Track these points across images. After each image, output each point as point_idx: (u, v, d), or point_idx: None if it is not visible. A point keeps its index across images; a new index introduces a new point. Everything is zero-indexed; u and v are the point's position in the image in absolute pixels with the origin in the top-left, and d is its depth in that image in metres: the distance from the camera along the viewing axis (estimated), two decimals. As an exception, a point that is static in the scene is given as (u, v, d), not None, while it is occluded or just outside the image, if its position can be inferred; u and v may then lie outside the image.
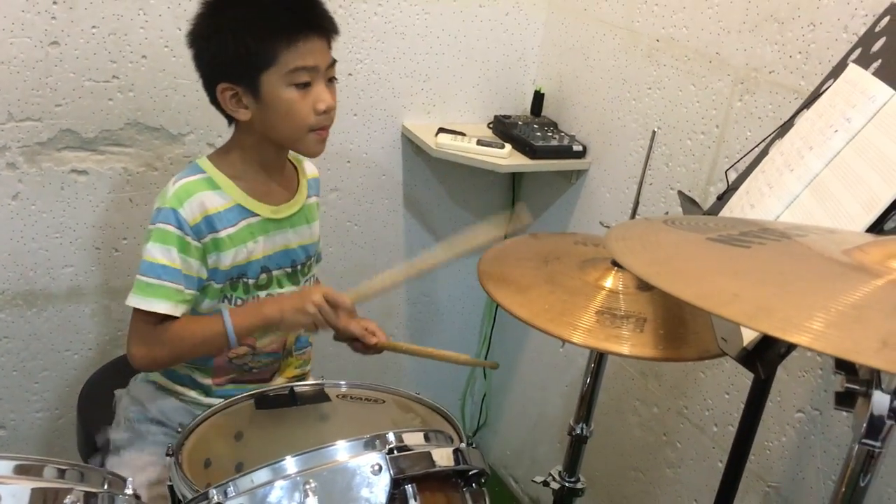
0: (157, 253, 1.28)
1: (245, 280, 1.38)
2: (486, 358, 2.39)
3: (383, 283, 1.33)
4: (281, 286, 1.42)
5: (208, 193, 1.31)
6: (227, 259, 1.33)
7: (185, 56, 1.72)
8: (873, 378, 0.73)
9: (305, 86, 1.27)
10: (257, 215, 1.36)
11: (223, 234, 1.32)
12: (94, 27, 1.64)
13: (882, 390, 0.73)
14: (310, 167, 1.51)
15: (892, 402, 0.73)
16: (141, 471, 1.34)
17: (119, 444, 1.39)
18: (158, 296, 1.29)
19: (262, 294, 1.40)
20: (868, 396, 0.74)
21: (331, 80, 1.32)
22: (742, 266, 0.68)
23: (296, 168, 1.47)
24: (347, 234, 2.08)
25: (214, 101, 1.32)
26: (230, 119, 1.35)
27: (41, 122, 1.66)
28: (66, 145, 1.70)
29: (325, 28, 1.30)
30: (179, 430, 1.22)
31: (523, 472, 2.32)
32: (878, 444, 0.75)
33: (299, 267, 1.45)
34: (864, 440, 0.74)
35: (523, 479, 2.33)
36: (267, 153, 1.37)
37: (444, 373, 2.39)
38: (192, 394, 1.42)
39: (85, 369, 1.83)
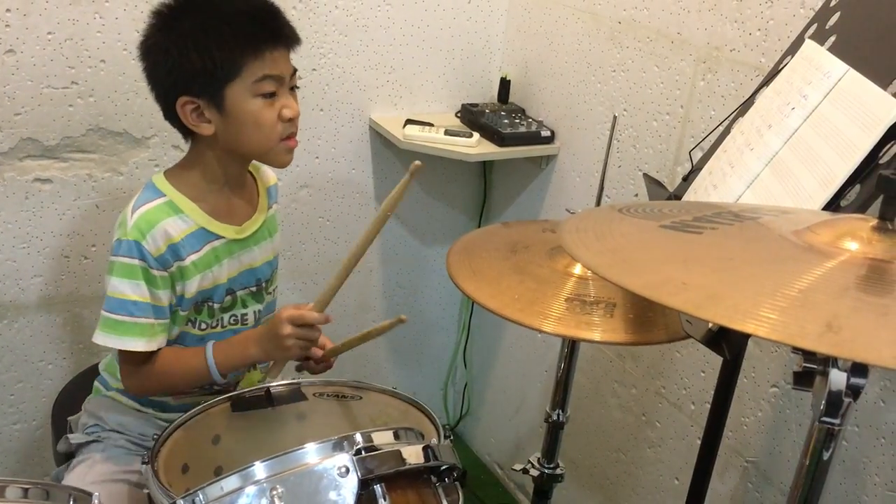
0: (125, 288, 1.23)
1: (210, 304, 1.34)
2: (467, 338, 2.39)
3: (335, 280, 1.30)
4: (245, 306, 1.40)
5: (171, 220, 1.26)
6: (193, 286, 1.29)
7: (145, 59, 1.72)
8: (830, 357, 0.74)
9: (271, 95, 1.24)
10: (222, 237, 1.32)
11: (188, 261, 1.28)
12: (49, 33, 1.61)
13: (839, 368, 0.73)
14: (269, 174, 1.46)
15: (848, 379, 0.73)
16: (101, 483, 1.31)
17: (79, 447, 1.37)
18: (132, 333, 1.25)
19: (227, 316, 1.37)
20: (825, 375, 0.74)
21: (292, 89, 1.29)
22: (693, 254, 0.68)
23: (255, 179, 1.42)
24: (320, 231, 2.07)
25: (170, 115, 1.27)
26: (187, 133, 1.30)
27: (1, 132, 1.63)
28: (27, 154, 1.68)
29: (289, 38, 1.27)
30: (139, 437, 1.19)
31: (508, 458, 2.33)
32: (837, 421, 0.75)
33: (263, 284, 1.41)
34: (823, 418, 0.75)
35: (508, 465, 2.34)
36: (230, 168, 1.32)
37: (425, 364, 2.39)
38: (150, 410, 1.40)
39: (60, 379, 1.81)
